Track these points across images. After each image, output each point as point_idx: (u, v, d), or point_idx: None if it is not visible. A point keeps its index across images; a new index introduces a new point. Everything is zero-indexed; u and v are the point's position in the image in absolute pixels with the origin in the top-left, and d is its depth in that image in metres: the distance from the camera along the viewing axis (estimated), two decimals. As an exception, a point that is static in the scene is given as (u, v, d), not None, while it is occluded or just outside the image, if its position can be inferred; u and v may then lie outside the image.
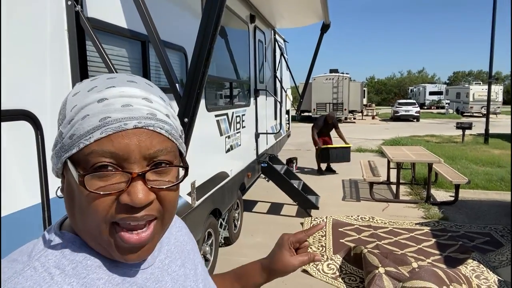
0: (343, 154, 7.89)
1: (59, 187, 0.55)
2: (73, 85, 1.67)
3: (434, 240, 4.36)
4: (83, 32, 1.68)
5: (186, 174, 0.54)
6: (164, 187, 0.50)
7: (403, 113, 24.17)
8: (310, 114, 22.22)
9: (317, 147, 7.97)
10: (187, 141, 1.62)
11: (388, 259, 3.35)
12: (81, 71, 1.66)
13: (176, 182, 0.53)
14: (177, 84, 1.64)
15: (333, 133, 8.17)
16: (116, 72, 1.69)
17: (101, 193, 0.47)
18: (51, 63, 1.58)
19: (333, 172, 8.15)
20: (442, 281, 2.63)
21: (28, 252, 0.50)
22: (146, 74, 2.33)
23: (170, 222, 0.56)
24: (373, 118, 27.13)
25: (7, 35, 1.38)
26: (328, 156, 7.85)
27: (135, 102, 0.49)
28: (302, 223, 5.01)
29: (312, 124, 8.37)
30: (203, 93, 3.16)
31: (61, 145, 0.50)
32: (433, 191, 6.32)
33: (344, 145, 7.99)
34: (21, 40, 1.44)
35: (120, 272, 0.53)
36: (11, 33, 1.39)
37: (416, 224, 4.91)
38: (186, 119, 1.59)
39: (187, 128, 1.61)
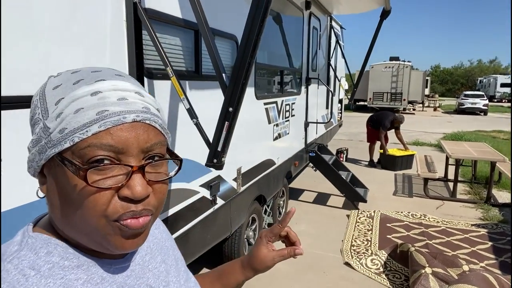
0: (407, 162, 7.59)
1: (38, 188, 0.53)
2: (130, 70, 1.79)
3: (490, 243, 4.09)
4: (140, 23, 1.78)
5: (180, 167, 0.54)
6: (161, 179, 0.51)
7: (469, 105, 22.43)
8: (365, 103, 21.47)
9: (382, 152, 7.67)
10: (230, 131, 1.67)
11: (437, 260, 3.20)
12: (137, 60, 1.77)
13: (170, 175, 0.54)
14: (223, 74, 1.69)
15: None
16: (169, 61, 1.78)
17: (102, 186, 0.46)
18: (111, 52, 1.70)
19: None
20: (492, 287, 2.48)
21: None
22: (198, 63, 2.41)
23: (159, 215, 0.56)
24: (434, 109, 25.51)
25: (73, 25, 1.50)
26: (394, 164, 7.53)
27: (130, 96, 0.50)
28: (348, 215, 4.93)
29: (368, 115, 8.10)
30: (251, 82, 3.21)
31: (47, 141, 0.47)
32: (494, 192, 5.88)
33: (410, 152, 7.68)
34: (85, 29, 1.56)
35: (99, 271, 0.52)
36: (76, 23, 1.52)
37: (472, 225, 4.62)
38: (230, 108, 1.64)
39: (231, 118, 1.66)
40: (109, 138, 0.47)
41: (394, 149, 7.78)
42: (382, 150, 7.64)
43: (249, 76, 1.63)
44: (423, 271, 3.03)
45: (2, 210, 1.24)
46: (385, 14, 5.55)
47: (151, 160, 0.51)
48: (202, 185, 2.52)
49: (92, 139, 0.46)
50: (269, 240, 0.82)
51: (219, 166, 1.72)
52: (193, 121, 1.75)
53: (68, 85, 0.49)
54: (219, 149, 1.69)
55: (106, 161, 0.47)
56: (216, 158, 1.70)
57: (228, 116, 1.65)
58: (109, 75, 0.51)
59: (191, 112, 1.75)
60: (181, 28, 2.24)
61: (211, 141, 1.76)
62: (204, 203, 2.56)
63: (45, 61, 1.39)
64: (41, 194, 0.53)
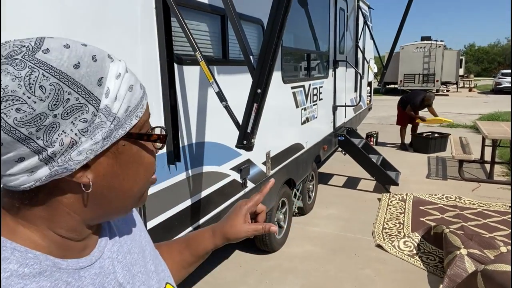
0: (441, 144, 7.32)
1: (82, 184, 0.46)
2: (160, 56, 1.83)
3: (531, 225, 3.93)
4: (168, 9, 1.82)
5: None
6: None
7: (507, 84, 21.28)
8: (396, 86, 20.84)
9: (418, 121, 7.49)
10: (259, 111, 1.70)
11: (473, 241, 3.13)
12: (167, 46, 1.82)
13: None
14: (251, 56, 1.71)
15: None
16: (198, 46, 1.82)
17: (159, 149, 0.55)
18: (142, 39, 1.76)
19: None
20: (533, 268, 2.40)
21: None
22: (225, 47, 2.44)
23: None
24: (470, 90, 24.43)
25: (105, 12, 1.57)
26: (427, 146, 7.25)
27: None
28: (379, 199, 4.88)
29: (399, 98, 7.89)
30: (278, 66, 3.20)
31: (115, 123, 0.46)
32: (536, 173, 5.62)
33: (445, 120, 7.49)
34: (116, 17, 1.63)
35: (63, 276, 0.47)
36: (107, 10, 1.58)
37: (510, 206, 4.46)
38: (259, 90, 1.66)
39: (260, 99, 1.68)
40: (148, 110, 0.52)
41: (429, 119, 7.57)
42: (414, 132, 7.45)
43: (276, 57, 1.65)
44: (458, 252, 2.98)
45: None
46: (414, -9, 5.35)
47: None
48: (232, 169, 2.57)
49: (146, 112, 0.51)
50: (249, 210, 0.80)
51: (249, 148, 1.76)
52: (223, 104, 1.79)
53: (88, 62, 0.43)
54: (248, 130, 1.72)
55: (162, 129, 0.54)
56: (246, 139, 1.74)
57: (257, 97, 1.67)
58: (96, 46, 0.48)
59: (221, 95, 1.79)
60: (207, 13, 2.27)
61: (240, 123, 1.80)
62: (234, 186, 2.62)
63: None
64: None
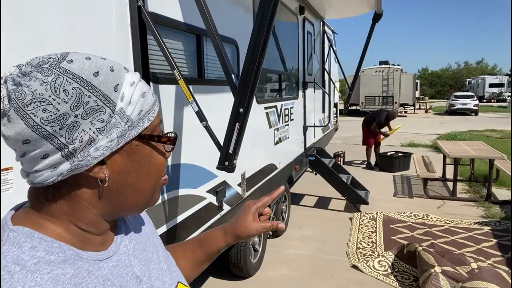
0: (405, 163, 7.62)
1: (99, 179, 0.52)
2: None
3: (495, 240, 4.08)
4: (144, 26, 1.75)
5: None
6: None
7: (460, 106, 22.70)
8: (358, 107, 21.60)
9: (382, 139, 7.81)
10: (241, 132, 1.64)
11: (445, 259, 3.18)
12: (143, 64, 1.74)
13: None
14: (232, 75, 1.66)
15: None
16: (175, 61, 1.75)
17: (169, 151, 0.59)
18: (116, 57, 1.67)
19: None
20: (506, 283, 2.46)
21: None
22: (200, 66, 2.39)
23: None
24: (426, 111, 25.76)
25: (77, 29, 1.47)
26: (392, 165, 7.54)
27: None
28: (351, 218, 4.90)
29: (362, 119, 8.13)
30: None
31: (129, 124, 0.51)
32: (493, 190, 5.91)
33: (405, 151, 7.84)
34: (89, 33, 1.53)
35: (85, 265, 0.51)
36: (79, 27, 1.49)
37: (475, 223, 4.62)
38: (241, 109, 1.61)
39: (242, 118, 1.63)
40: (159, 116, 0.58)
41: (388, 132, 7.94)
42: (375, 152, 7.71)
43: (259, 76, 1.61)
44: (432, 270, 3.01)
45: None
46: (377, 17, 5.60)
47: None
48: (208, 191, 2.47)
49: (157, 117, 0.56)
50: (258, 211, 0.84)
51: (231, 169, 1.69)
52: (203, 123, 1.72)
53: (106, 71, 0.50)
54: (230, 151, 1.66)
55: (172, 134, 0.58)
56: (227, 160, 1.67)
57: (239, 117, 1.62)
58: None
59: (200, 115, 1.72)
60: (184, 32, 2.22)
61: (221, 144, 1.73)
62: (211, 210, 2.52)
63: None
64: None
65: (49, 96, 0.45)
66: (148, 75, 1.78)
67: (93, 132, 0.48)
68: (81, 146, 0.48)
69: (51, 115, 0.45)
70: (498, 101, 34.62)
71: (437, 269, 3.01)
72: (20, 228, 0.49)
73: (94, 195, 0.52)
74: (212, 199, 2.51)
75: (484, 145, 6.49)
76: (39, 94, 0.44)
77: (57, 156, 0.47)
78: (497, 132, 13.82)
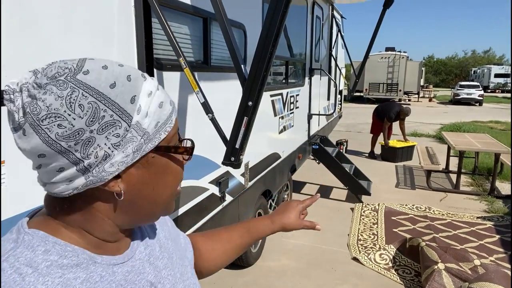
0: (408, 154, 7.53)
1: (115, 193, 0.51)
2: (139, 60, 1.65)
3: (497, 236, 4.05)
4: (149, 8, 1.64)
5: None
6: None
7: (465, 96, 22.45)
8: (361, 94, 21.39)
9: (384, 144, 7.59)
10: (249, 127, 1.55)
11: (448, 254, 3.14)
12: (146, 50, 1.64)
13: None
14: (242, 65, 1.56)
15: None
16: (181, 48, 1.65)
17: (187, 161, 0.58)
18: (118, 41, 1.57)
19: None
20: (512, 285, 2.42)
21: None
22: (207, 52, 2.28)
23: None
24: (430, 100, 25.53)
25: (76, 11, 1.37)
26: (395, 156, 7.46)
27: None
28: (352, 209, 4.86)
29: (365, 106, 7.99)
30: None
31: (145, 138, 0.50)
32: (497, 184, 5.84)
33: (410, 143, 7.60)
34: (90, 16, 1.43)
35: (98, 269, 0.51)
36: (79, 8, 1.38)
37: (477, 218, 4.58)
38: (250, 103, 1.52)
39: (251, 113, 1.54)
40: (177, 124, 0.56)
41: (393, 141, 7.72)
42: (383, 142, 7.56)
43: (270, 67, 1.51)
44: (435, 266, 2.97)
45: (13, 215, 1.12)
46: (388, 3, 5.41)
47: None
48: (211, 182, 2.41)
49: (174, 127, 0.54)
50: (302, 211, 0.94)
51: (237, 165, 1.61)
52: (209, 116, 1.63)
53: (123, 81, 0.48)
54: (237, 146, 1.57)
55: (189, 143, 0.58)
56: (233, 156, 1.59)
57: (248, 111, 1.52)
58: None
59: (206, 107, 1.63)
60: (190, 15, 2.10)
61: (227, 138, 1.64)
62: (213, 201, 2.45)
63: (47, 52, 1.26)
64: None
65: (64, 111, 0.44)
66: (152, 61, 1.68)
67: (108, 148, 0.47)
68: (96, 161, 0.47)
69: (66, 131, 0.44)
70: (503, 91, 34.27)
71: (440, 265, 2.97)
72: (35, 232, 0.49)
73: (110, 207, 0.52)
74: (214, 190, 2.45)
75: (490, 138, 6.40)
76: (54, 109, 0.44)
77: (72, 170, 0.47)
78: (501, 123, 13.67)
